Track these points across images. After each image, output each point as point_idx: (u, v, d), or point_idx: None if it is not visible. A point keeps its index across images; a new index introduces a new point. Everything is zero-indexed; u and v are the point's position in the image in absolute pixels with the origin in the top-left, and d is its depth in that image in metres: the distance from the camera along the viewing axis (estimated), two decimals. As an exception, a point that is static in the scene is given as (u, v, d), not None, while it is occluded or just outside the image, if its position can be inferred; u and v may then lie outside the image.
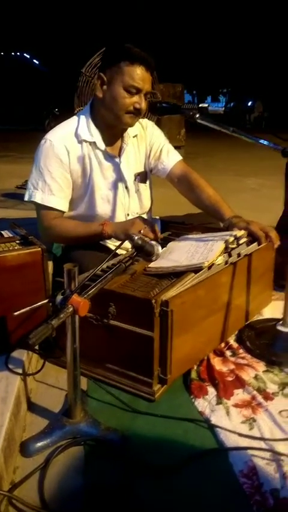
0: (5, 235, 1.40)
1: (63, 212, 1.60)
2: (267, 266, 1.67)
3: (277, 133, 1.58)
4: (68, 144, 1.54)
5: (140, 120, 1.73)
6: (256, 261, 1.52)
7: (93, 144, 1.57)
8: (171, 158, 1.73)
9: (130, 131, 1.65)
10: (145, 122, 1.74)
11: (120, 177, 1.64)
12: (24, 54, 20.28)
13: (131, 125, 1.57)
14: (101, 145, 1.58)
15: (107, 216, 1.65)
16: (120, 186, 1.65)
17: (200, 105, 1.42)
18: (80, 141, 1.56)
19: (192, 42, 18.89)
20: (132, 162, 1.68)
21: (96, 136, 1.57)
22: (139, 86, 1.45)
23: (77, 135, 1.56)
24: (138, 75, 1.44)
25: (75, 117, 1.61)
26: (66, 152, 1.53)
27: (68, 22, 16.42)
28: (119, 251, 1.36)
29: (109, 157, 1.61)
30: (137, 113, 1.50)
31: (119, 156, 1.64)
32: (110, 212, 1.65)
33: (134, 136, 1.68)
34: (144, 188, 1.73)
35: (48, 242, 1.72)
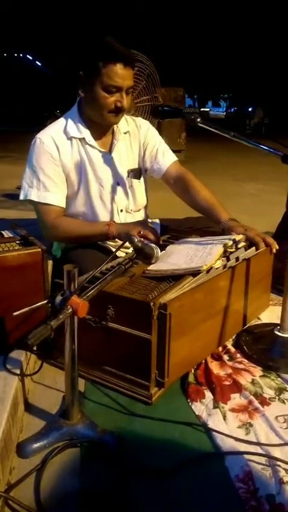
0: (5, 236, 1.41)
1: (63, 208, 1.59)
2: (266, 271, 1.68)
3: (277, 140, 1.59)
4: (58, 140, 1.55)
5: (134, 118, 1.73)
6: (255, 266, 1.52)
7: (82, 140, 1.58)
8: (166, 159, 1.72)
9: (121, 127, 1.64)
10: (139, 120, 1.74)
11: (112, 173, 1.63)
12: (27, 56, 20.33)
13: (116, 123, 1.58)
14: (90, 140, 1.58)
15: (100, 212, 1.64)
16: (113, 181, 1.64)
17: (202, 110, 1.41)
18: (70, 138, 1.57)
19: (194, 47, 18.96)
20: (124, 158, 1.67)
21: (85, 132, 1.57)
22: (118, 85, 1.44)
23: (66, 132, 1.57)
24: (117, 74, 1.42)
25: (62, 118, 1.61)
26: (56, 147, 1.54)
27: (70, 24, 16.47)
28: (118, 253, 1.36)
29: (100, 153, 1.60)
30: (118, 111, 1.50)
31: (110, 152, 1.63)
32: (103, 208, 1.64)
33: (125, 133, 1.67)
34: (138, 184, 1.71)
35: (51, 241, 1.71)
